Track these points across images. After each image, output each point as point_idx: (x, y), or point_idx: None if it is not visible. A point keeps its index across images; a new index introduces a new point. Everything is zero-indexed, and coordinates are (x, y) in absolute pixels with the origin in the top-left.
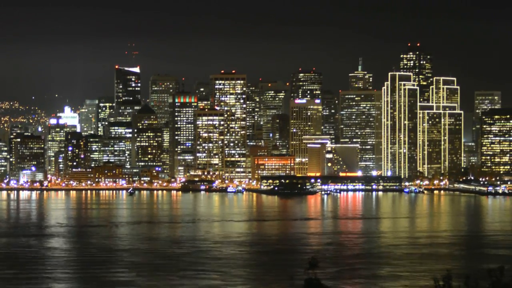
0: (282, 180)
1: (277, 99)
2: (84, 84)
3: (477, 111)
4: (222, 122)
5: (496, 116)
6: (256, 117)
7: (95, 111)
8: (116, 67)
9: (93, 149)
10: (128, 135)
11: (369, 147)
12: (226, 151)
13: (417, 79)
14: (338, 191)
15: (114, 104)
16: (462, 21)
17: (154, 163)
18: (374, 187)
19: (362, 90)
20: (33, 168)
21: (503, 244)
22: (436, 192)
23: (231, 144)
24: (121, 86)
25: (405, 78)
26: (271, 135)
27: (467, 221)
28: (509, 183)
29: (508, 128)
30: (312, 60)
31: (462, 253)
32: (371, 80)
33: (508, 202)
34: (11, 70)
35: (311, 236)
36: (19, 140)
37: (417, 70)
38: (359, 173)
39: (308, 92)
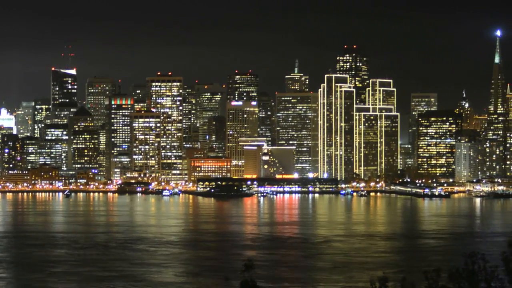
0: (219, 182)
1: (213, 101)
2: (20, 86)
3: (413, 113)
4: (158, 124)
5: (433, 118)
6: (192, 119)
7: (32, 113)
8: (53, 69)
9: (30, 151)
10: (64, 137)
11: (305, 149)
12: (163, 153)
13: (353, 81)
14: (274, 193)
15: (50, 106)
16: (399, 24)
17: (91, 165)
18: (310, 189)
19: (299, 92)
20: None
21: (440, 246)
22: (372, 194)
23: (168, 146)
24: (57, 88)
25: (342, 80)
26: (207, 137)
27: (403, 223)
28: (445, 185)
29: (444, 130)
30: (248, 62)
31: (399, 255)
32: (307, 82)
33: (445, 204)
34: None
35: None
36: None
37: (353, 72)
38: (296, 175)
39: (245, 94)
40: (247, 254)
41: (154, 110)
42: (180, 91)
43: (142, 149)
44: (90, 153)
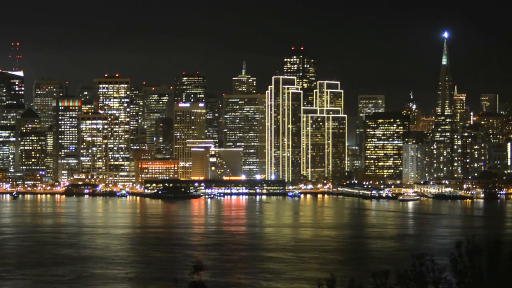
0: (166, 184)
1: (160, 103)
2: None
3: (360, 115)
4: (105, 126)
5: (380, 120)
6: (140, 120)
7: None
8: (0, 70)
9: None
10: (11, 139)
11: (252, 151)
12: (110, 155)
13: (301, 82)
14: (221, 195)
15: None
16: (346, 27)
17: (38, 167)
18: (257, 191)
19: (246, 94)
20: None
21: (389, 247)
22: (319, 196)
23: (115, 148)
24: (4, 90)
25: (289, 82)
26: (155, 139)
27: (350, 225)
28: (392, 186)
29: (391, 132)
30: (196, 64)
31: (347, 257)
32: (254, 84)
33: (392, 206)
34: None
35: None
36: None
37: (301, 74)
38: (243, 177)
39: (192, 96)
40: (195, 255)
41: (101, 111)
42: (128, 92)
43: (90, 151)
44: (38, 155)
